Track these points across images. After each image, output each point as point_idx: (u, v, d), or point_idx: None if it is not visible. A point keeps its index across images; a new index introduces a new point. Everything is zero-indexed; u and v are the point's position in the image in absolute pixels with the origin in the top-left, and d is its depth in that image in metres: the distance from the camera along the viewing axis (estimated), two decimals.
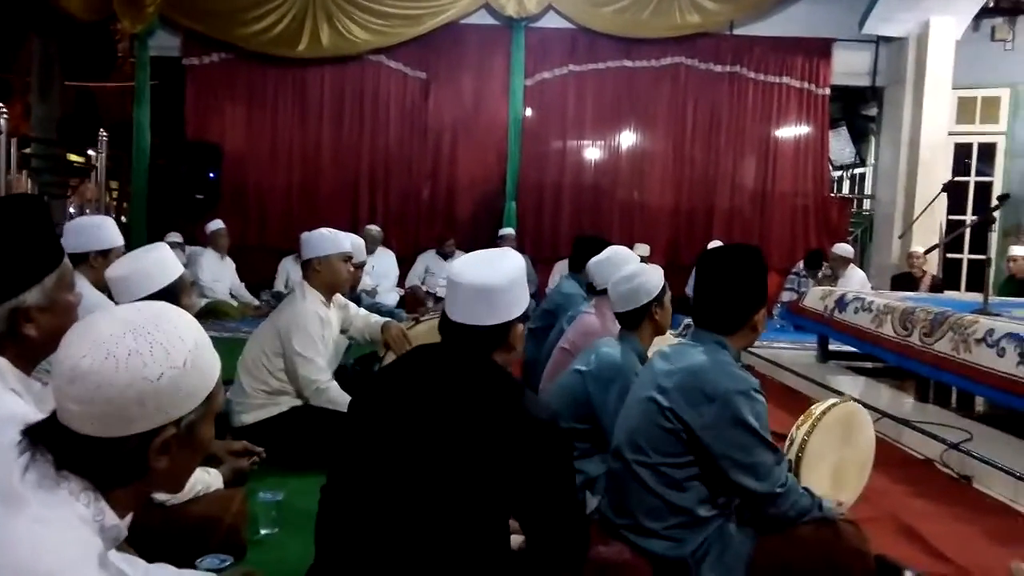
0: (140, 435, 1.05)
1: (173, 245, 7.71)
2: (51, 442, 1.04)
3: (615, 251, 3.49)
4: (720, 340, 2.11)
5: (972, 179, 8.94)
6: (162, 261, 2.52)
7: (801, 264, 8.28)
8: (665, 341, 2.91)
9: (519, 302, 1.73)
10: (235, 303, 7.54)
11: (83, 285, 2.41)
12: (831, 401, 2.31)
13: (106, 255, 3.02)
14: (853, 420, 2.28)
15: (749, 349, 3.46)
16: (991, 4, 8.33)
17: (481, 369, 1.70)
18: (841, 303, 5.29)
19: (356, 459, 1.74)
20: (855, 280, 7.30)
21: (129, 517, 1.11)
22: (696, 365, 2.08)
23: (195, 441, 1.11)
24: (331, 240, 3.38)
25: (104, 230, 3.11)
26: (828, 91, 8.97)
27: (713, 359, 2.07)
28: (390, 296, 7.72)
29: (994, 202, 8.27)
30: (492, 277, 1.68)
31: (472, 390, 1.67)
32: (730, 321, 2.12)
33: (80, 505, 1.03)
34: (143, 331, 1.05)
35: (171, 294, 2.44)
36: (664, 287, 2.80)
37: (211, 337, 1.17)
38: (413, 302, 7.77)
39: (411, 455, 1.65)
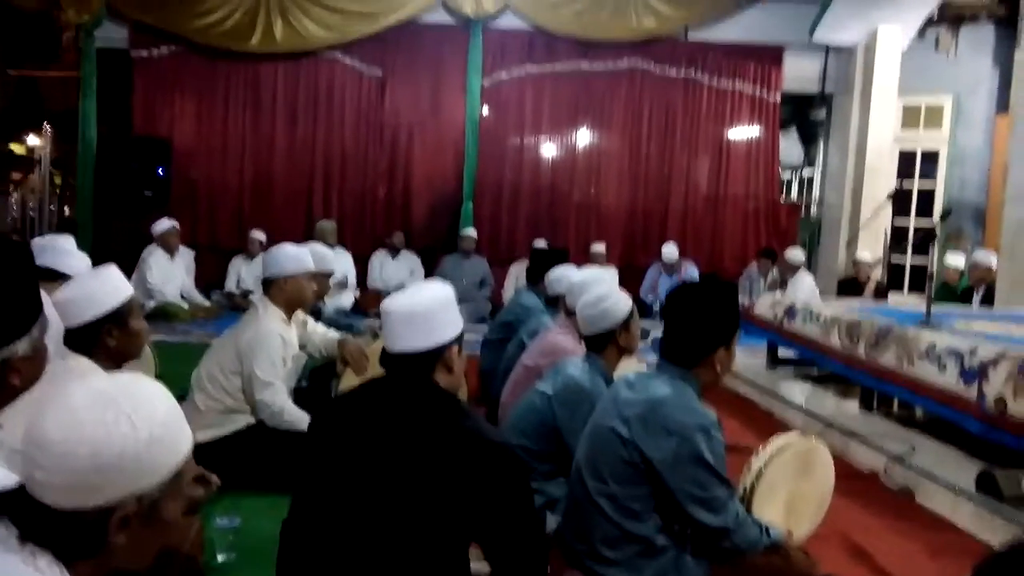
0: (100, 508, 1.04)
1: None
2: (17, 513, 1.04)
3: (589, 273, 3.56)
4: (684, 373, 2.16)
5: (916, 184, 9.18)
6: (110, 283, 2.46)
7: (754, 266, 8.45)
8: (630, 364, 2.96)
9: (449, 325, 1.83)
10: (185, 305, 7.39)
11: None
12: (793, 436, 2.38)
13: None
14: (813, 457, 2.35)
15: None
16: (935, 15, 8.56)
17: (425, 395, 1.78)
18: (791, 312, 5.41)
19: (316, 493, 1.78)
20: (804, 286, 7.47)
21: None
22: (658, 398, 2.12)
23: (158, 519, 1.09)
24: (297, 258, 3.35)
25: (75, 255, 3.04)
26: (779, 97, 9.14)
27: (675, 392, 2.12)
28: (346, 298, 7.64)
29: (936, 214, 8.59)
30: (419, 302, 1.81)
31: (419, 417, 1.74)
32: (691, 355, 2.16)
33: None
34: (112, 402, 1.06)
35: (119, 316, 2.39)
36: (631, 312, 2.84)
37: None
38: (375, 302, 7.72)
39: (368, 486, 1.69)
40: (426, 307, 1.80)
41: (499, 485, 1.70)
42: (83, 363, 2.24)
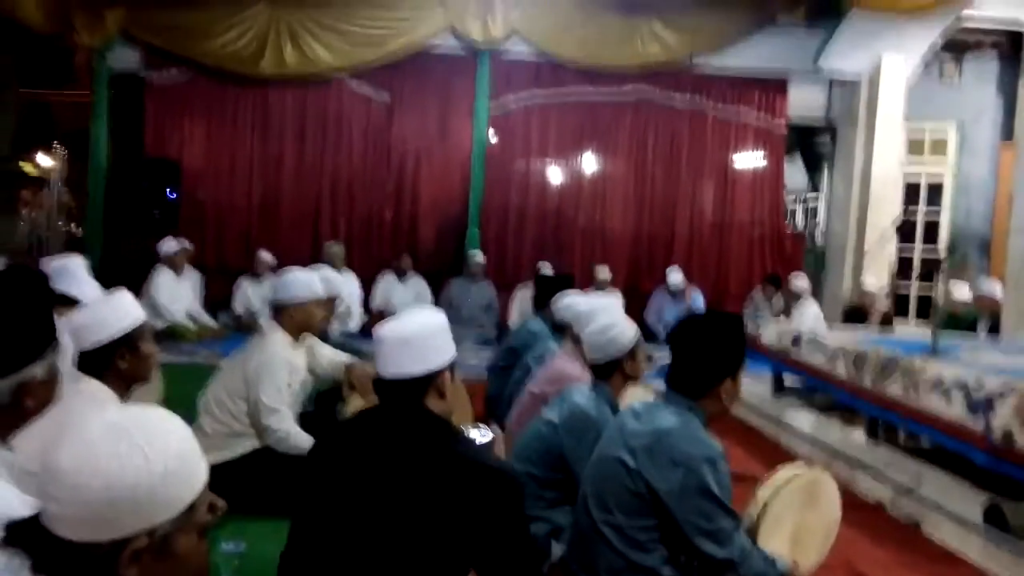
0: (112, 542, 1.03)
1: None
2: (30, 544, 1.03)
3: (595, 302, 3.59)
4: (690, 404, 2.17)
5: (920, 213, 9.20)
6: (122, 307, 2.48)
7: (759, 292, 8.45)
8: (636, 392, 2.97)
9: (442, 351, 1.85)
10: (192, 325, 7.42)
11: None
12: (799, 466, 2.38)
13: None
14: (819, 488, 2.35)
15: None
16: (940, 45, 8.64)
17: (417, 420, 1.79)
18: (796, 341, 5.42)
19: (313, 521, 1.80)
20: (809, 314, 7.45)
21: None
22: (664, 428, 2.13)
23: (172, 554, 1.07)
24: (307, 285, 3.37)
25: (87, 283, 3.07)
26: (784, 126, 9.20)
27: (682, 423, 2.13)
28: (352, 321, 7.66)
29: (941, 243, 8.61)
30: (411, 328, 1.83)
31: (411, 443, 1.76)
32: (698, 386, 2.18)
33: None
34: (126, 434, 1.04)
35: (130, 340, 2.41)
36: (637, 340, 2.85)
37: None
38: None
39: (364, 512, 1.71)
40: (418, 333, 1.82)
41: (491, 507, 1.71)
42: (94, 386, 2.27)
